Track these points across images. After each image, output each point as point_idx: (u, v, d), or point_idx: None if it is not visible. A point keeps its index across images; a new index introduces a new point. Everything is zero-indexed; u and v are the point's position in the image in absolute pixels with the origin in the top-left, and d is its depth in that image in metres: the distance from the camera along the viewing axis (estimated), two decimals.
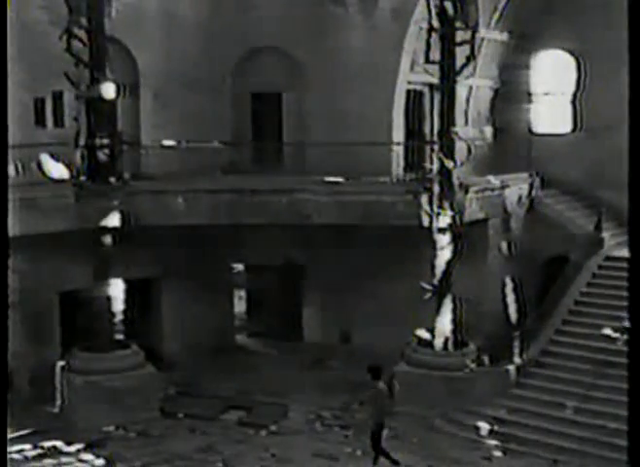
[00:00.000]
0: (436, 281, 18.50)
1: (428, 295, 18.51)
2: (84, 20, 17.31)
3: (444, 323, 18.50)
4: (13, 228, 17.43)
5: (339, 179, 19.72)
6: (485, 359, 18.83)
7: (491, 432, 17.07)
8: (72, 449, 16.43)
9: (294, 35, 21.68)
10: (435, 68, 18.95)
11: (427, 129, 22.20)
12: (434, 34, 18.67)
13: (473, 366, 18.41)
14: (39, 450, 16.37)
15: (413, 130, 22.30)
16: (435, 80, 19.32)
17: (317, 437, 17.26)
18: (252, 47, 22.04)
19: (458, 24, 18.52)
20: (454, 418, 17.65)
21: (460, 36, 18.67)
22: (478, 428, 17.19)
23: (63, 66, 17.07)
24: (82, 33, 17.34)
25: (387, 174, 20.91)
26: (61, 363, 18.29)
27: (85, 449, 16.39)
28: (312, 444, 16.85)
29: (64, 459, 16.03)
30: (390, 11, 21.26)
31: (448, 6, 18.36)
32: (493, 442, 16.86)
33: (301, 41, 21.71)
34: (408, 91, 22.00)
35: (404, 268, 20.49)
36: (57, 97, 19.24)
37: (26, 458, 16.07)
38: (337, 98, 21.59)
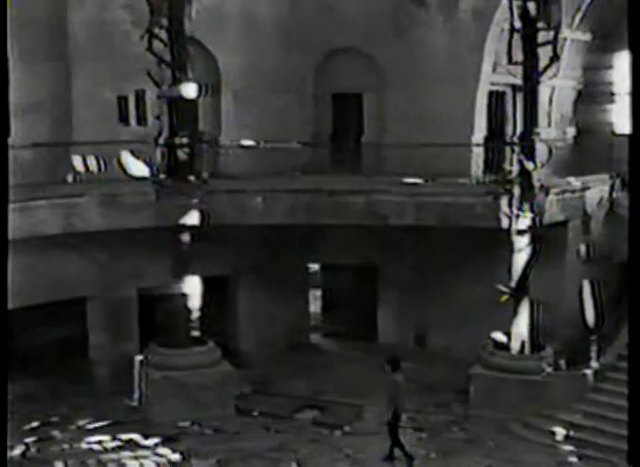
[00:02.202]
0: (513, 284, 18.29)
1: (505, 297, 18.31)
2: (165, 21, 17.52)
3: (521, 326, 18.27)
4: (95, 223, 18.05)
5: (419, 180, 19.64)
6: (562, 363, 18.56)
7: (567, 437, 16.82)
8: (149, 442, 16.67)
9: (374, 36, 21.68)
10: (518, 69, 18.74)
11: (509, 131, 21.98)
12: (516, 35, 18.44)
13: (549, 370, 18.16)
14: (118, 443, 16.64)
15: (495, 131, 22.10)
16: (518, 81, 19.09)
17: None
18: (333, 47, 22.11)
19: (540, 25, 18.26)
20: (530, 423, 17.41)
21: (542, 36, 18.42)
22: (553, 433, 16.95)
23: (146, 65, 17.34)
24: (162, 33, 17.58)
25: (467, 176, 20.77)
26: (140, 357, 18.56)
27: (161, 444, 16.59)
28: (386, 445, 16.61)
29: (141, 452, 16.25)
30: (471, 11, 21.11)
31: (531, 6, 18.13)
32: (569, 447, 16.58)
33: (381, 42, 21.69)
34: (491, 92, 21.82)
35: (481, 269, 20.32)
36: (140, 96, 19.58)
37: (105, 449, 16.35)
38: (418, 99, 21.49)
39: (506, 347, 18.41)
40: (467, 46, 21.20)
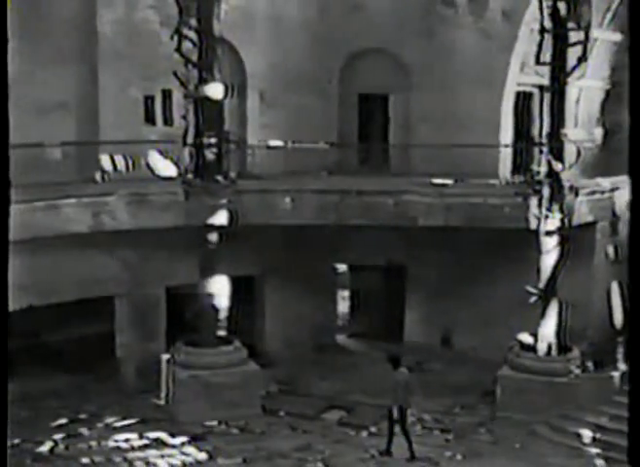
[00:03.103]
0: (541, 285, 18.20)
1: (533, 299, 18.22)
2: (193, 21, 17.57)
3: (549, 327, 18.18)
4: (124, 222, 18.26)
5: (447, 181, 19.61)
6: (589, 365, 18.45)
7: (594, 440, 16.69)
8: (176, 441, 16.68)
9: (402, 36, 21.65)
10: (545, 69, 18.66)
11: (536, 131, 21.88)
12: (546, 35, 18.34)
13: (576, 372, 18.04)
14: (145, 441, 16.68)
15: (522, 132, 22.02)
16: (545, 81, 19.02)
17: (417, 440, 16.89)
18: (359, 48, 22.11)
19: (570, 25, 18.16)
20: (556, 425, 17.30)
21: (572, 36, 18.31)
22: (580, 435, 16.83)
23: (173, 65, 17.42)
24: (191, 34, 17.64)
25: (494, 176, 20.72)
26: (166, 356, 18.60)
27: (188, 443, 16.60)
28: (412, 447, 16.69)
29: (167, 451, 16.26)
30: (501, 12, 21.04)
31: (561, 6, 18.03)
32: (595, 450, 16.47)
33: (409, 42, 21.67)
34: (518, 93, 21.74)
35: (508, 270, 20.24)
36: (167, 96, 19.71)
37: (132, 448, 16.40)
38: (445, 100, 21.45)
39: (533, 349, 18.32)
40: (496, 46, 21.13)
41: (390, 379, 16.10)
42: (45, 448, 16.25)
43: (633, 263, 4.53)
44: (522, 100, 21.92)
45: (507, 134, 21.54)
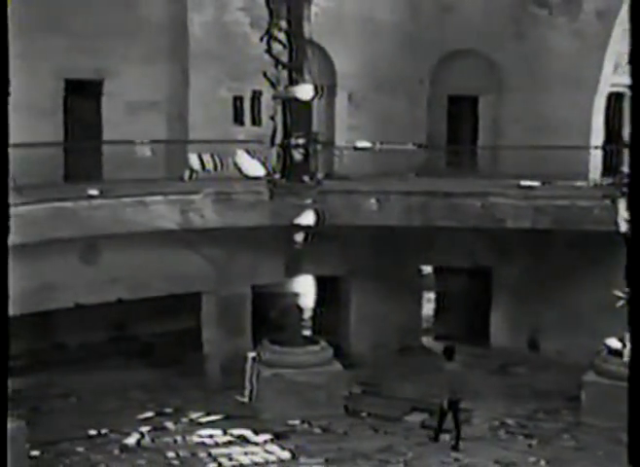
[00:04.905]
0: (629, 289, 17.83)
1: (621, 303, 17.88)
2: (283, 23, 17.69)
3: None
4: (211, 220, 18.54)
5: (535, 183, 19.39)
6: None
7: None
8: (259, 439, 16.77)
9: (494, 37, 21.54)
10: None
11: (627, 133, 21.51)
12: None
13: None
14: (228, 437, 16.82)
15: (613, 134, 21.67)
16: None
17: (500, 444, 16.85)
18: (450, 49, 22.03)
19: None
20: None
21: None
22: None
23: (262, 66, 17.57)
24: (281, 35, 17.77)
25: (584, 178, 20.43)
26: (252, 354, 18.73)
27: (271, 441, 16.68)
28: (495, 451, 16.45)
29: (251, 448, 16.36)
30: (595, 12, 20.75)
31: None
32: None
33: (500, 43, 21.55)
34: (610, 94, 21.41)
35: (596, 274, 19.88)
36: (256, 97, 19.91)
37: (216, 444, 16.56)
38: (536, 101, 21.26)
39: (620, 354, 17.97)
40: (589, 47, 20.86)
41: (443, 371, 16.30)
42: (132, 439, 16.53)
43: (633, 262, 4.45)
44: (614, 101, 21.57)
45: (598, 136, 21.22)
